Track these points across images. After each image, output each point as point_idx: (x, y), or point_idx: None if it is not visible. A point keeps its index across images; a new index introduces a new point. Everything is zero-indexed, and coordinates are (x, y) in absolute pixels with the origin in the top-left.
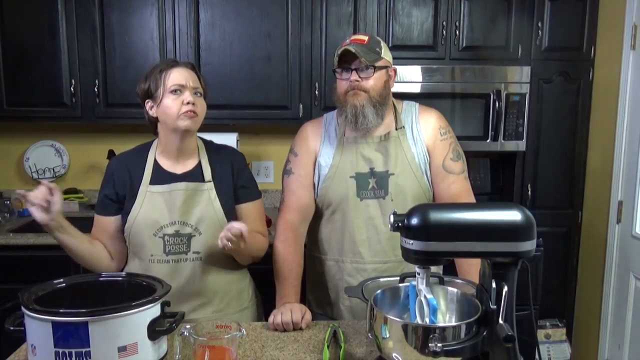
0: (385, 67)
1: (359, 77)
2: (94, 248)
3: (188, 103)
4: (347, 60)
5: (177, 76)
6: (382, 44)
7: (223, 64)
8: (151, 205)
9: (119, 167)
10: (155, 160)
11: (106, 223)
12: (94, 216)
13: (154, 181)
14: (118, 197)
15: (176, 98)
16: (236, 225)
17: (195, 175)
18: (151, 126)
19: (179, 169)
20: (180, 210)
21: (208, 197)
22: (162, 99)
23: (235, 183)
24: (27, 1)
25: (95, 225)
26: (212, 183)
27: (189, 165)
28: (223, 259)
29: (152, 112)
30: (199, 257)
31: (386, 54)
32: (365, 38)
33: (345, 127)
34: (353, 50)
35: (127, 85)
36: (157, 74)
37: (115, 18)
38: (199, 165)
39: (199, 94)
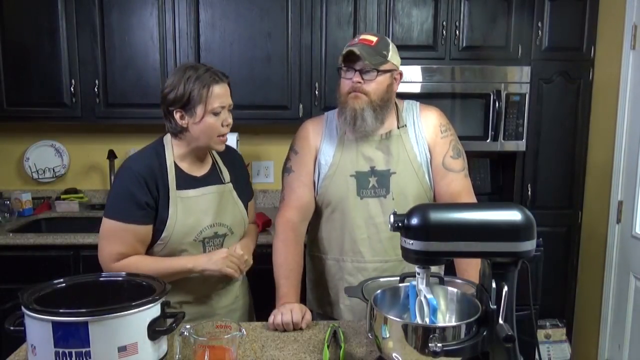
0: (391, 71)
1: (362, 78)
2: None
3: (228, 125)
4: (352, 59)
5: (220, 96)
6: (391, 47)
7: (223, 64)
8: (186, 211)
9: (147, 172)
10: (175, 164)
11: (145, 232)
12: (115, 226)
13: (179, 186)
14: (156, 204)
15: (218, 119)
16: (240, 252)
17: (214, 177)
18: (170, 129)
19: (197, 171)
20: (215, 212)
21: (232, 198)
22: (203, 116)
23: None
24: (27, 1)
25: (130, 236)
26: (231, 184)
27: (204, 168)
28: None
29: (182, 123)
30: None
31: (393, 58)
32: (375, 39)
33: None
34: (357, 52)
35: (127, 85)
36: (201, 89)
37: (115, 18)
38: (214, 167)
39: (231, 109)
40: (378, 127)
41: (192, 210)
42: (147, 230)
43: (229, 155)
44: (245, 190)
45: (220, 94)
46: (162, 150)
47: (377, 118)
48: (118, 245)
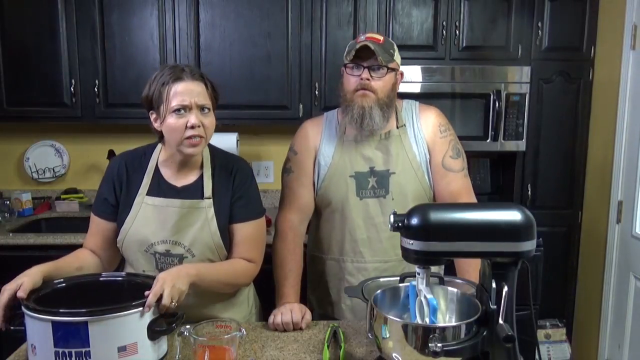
0: (395, 70)
1: (370, 75)
2: (82, 271)
3: (193, 127)
4: (362, 56)
5: (182, 94)
6: (395, 46)
7: (223, 64)
8: (144, 220)
9: (120, 169)
10: (156, 168)
11: (106, 227)
12: (91, 215)
13: (151, 192)
14: (117, 202)
15: (180, 118)
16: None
17: (194, 190)
18: (156, 134)
19: (180, 181)
20: (172, 229)
21: (205, 216)
22: (165, 117)
23: (231, 197)
24: (27, 1)
25: (94, 226)
26: (211, 200)
27: (190, 177)
28: None
29: (156, 126)
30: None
31: (397, 57)
32: (382, 38)
33: (346, 125)
34: (372, 48)
35: (127, 85)
36: (160, 87)
37: (115, 18)
38: (201, 178)
39: (206, 110)
40: (384, 125)
41: (149, 220)
42: (107, 225)
43: (228, 167)
44: (227, 210)
45: (181, 92)
46: (151, 151)
47: (384, 117)
48: (89, 235)
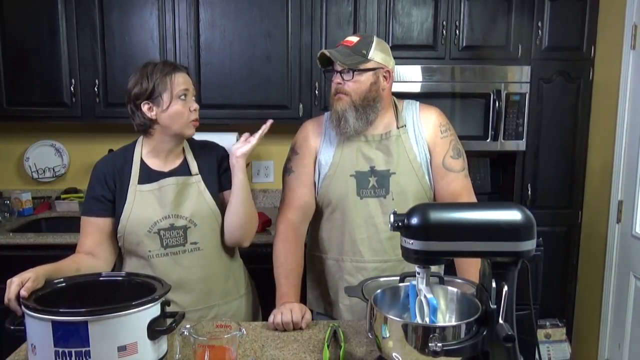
0: (374, 69)
1: (342, 79)
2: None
3: (196, 110)
4: (330, 62)
5: (183, 82)
6: (375, 45)
7: (223, 64)
8: (142, 203)
9: (108, 168)
10: (142, 160)
11: (104, 224)
12: (83, 220)
13: (142, 181)
14: (113, 196)
15: (184, 104)
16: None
17: (182, 170)
18: (139, 127)
19: (167, 167)
20: (172, 204)
21: (197, 189)
22: (170, 103)
23: (218, 170)
24: (27, 1)
25: (89, 227)
26: (199, 176)
27: (175, 163)
28: (221, 248)
29: (151, 114)
30: (197, 247)
31: (376, 56)
32: (355, 40)
33: None
34: (327, 54)
35: (127, 86)
36: (162, 77)
37: (115, 18)
38: (185, 161)
39: (194, 97)
40: (363, 127)
41: (147, 202)
42: (106, 222)
43: (207, 149)
44: (218, 182)
45: (183, 81)
46: (132, 148)
47: (360, 118)
48: (84, 237)
